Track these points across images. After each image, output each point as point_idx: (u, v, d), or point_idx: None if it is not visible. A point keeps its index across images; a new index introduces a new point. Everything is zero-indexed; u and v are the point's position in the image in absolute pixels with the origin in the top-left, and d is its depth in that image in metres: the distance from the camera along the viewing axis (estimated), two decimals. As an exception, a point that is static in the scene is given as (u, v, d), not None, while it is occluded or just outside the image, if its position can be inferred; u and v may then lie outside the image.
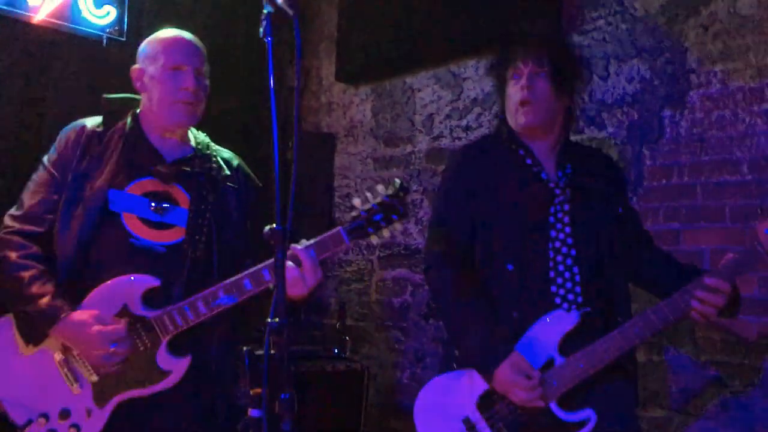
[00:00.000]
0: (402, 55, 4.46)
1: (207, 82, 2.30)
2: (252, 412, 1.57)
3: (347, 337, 4.15)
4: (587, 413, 2.16)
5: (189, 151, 2.31)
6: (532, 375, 2.15)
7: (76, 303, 2.09)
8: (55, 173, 2.21)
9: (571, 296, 2.26)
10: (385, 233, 2.09)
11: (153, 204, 2.19)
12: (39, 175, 2.24)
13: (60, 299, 2.07)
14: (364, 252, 4.74)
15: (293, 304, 2.02)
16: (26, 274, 2.08)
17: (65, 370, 2.10)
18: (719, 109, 3.23)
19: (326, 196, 5.00)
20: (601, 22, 3.67)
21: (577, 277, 2.26)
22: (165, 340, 2.10)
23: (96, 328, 2.04)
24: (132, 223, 2.17)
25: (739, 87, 3.18)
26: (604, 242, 2.32)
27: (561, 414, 2.17)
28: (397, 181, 2.12)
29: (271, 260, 1.63)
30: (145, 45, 2.33)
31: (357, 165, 4.90)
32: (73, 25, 4.14)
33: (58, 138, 2.27)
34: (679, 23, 3.37)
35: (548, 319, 2.22)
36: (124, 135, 2.25)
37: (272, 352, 1.42)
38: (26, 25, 4.01)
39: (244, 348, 1.90)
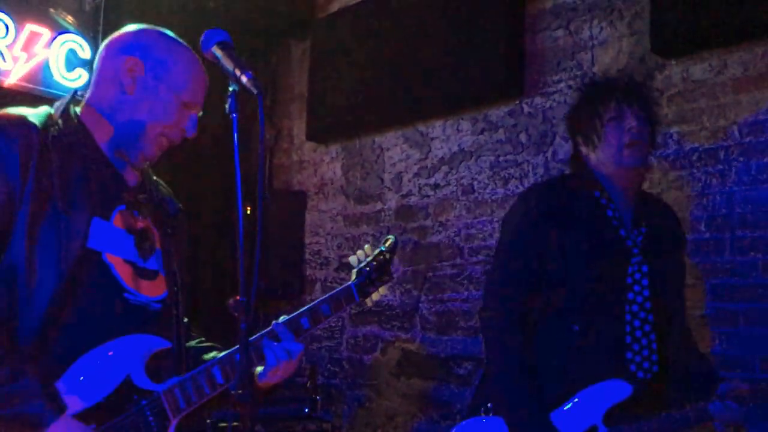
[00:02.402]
0: (371, 115, 4.56)
1: None
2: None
3: (318, 397, 4.12)
4: None
5: (138, 176, 1.81)
6: None
7: (48, 382, 1.52)
8: None
9: (646, 364, 2.16)
10: (375, 297, 1.90)
11: (140, 243, 1.68)
12: None
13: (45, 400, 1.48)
14: (335, 309, 4.74)
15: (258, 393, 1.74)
16: None
17: None
18: (676, 169, 3.34)
19: (298, 253, 5.02)
20: (562, 85, 3.80)
21: (654, 345, 2.16)
22: (174, 422, 1.62)
23: None
24: (122, 270, 1.64)
25: (694, 148, 3.30)
26: (675, 309, 2.25)
27: None
28: (392, 237, 1.94)
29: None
30: (158, 42, 1.75)
31: (327, 222, 4.94)
32: (45, 89, 4.17)
33: None
34: (636, 87, 3.50)
35: (601, 386, 2.11)
36: (76, 143, 1.66)
37: (235, 424, 1.42)
38: (-3, 89, 4.05)
39: (207, 420, 1.86)
